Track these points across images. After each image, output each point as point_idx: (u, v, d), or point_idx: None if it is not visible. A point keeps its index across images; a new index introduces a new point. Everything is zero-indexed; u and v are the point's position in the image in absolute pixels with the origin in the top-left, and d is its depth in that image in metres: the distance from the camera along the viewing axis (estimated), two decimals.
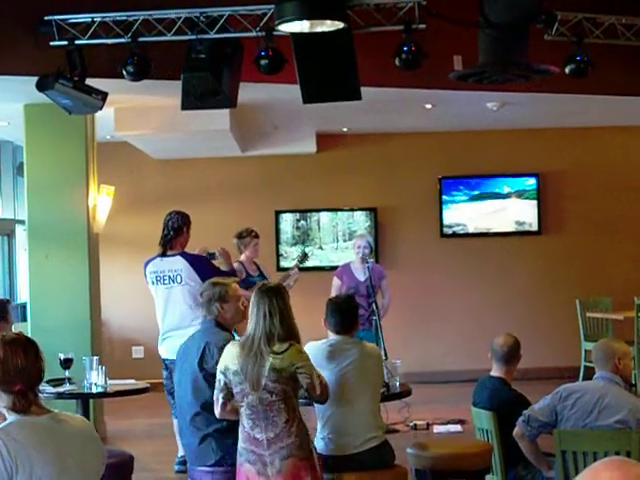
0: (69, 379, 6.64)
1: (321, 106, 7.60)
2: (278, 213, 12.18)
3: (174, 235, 7.65)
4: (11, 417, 3.13)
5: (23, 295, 11.29)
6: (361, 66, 6.68)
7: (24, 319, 9.71)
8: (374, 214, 12.19)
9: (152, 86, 7.39)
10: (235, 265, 8.47)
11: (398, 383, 6.22)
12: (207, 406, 5.36)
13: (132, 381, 7.01)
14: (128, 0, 6.93)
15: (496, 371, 5.75)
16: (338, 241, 12.21)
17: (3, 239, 11.89)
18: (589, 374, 6.20)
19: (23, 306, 10.52)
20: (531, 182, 12.20)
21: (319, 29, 6.26)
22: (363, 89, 6.83)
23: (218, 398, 5.02)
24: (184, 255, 7.61)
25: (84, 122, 8.64)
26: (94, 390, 6.53)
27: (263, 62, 6.53)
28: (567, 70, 7.01)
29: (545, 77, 7.11)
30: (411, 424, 9.04)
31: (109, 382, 6.60)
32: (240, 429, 4.96)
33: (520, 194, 12.21)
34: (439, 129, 11.89)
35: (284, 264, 11.76)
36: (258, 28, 6.56)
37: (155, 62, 6.75)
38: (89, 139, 8.80)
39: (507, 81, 7.15)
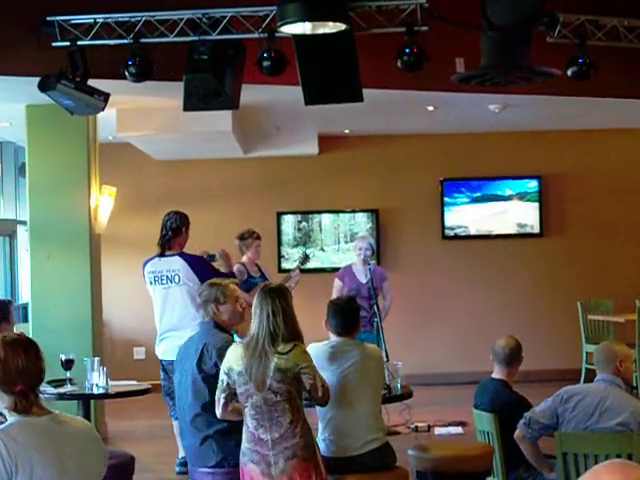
0: (70, 380, 6.64)
1: (323, 108, 7.60)
2: (280, 214, 12.18)
3: (172, 235, 7.65)
4: (11, 418, 3.13)
5: (25, 296, 11.29)
6: (363, 68, 6.68)
7: (25, 320, 9.72)
8: (376, 216, 12.19)
9: (154, 87, 7.38)
10: (237, 266, 8.47)
11: (399, 385, 6.22)
12: (207, 407, 5.37)
13: (133, 382, 7.02)
14: (130, 1, 6.93)
15: (497, 373, 5.75)
16: (340, 243, 12.21)
17: (5, 240, 11.89)
18: (590, 376, 6.20)
19: (25, 307, 10.53)
20: (533, 184, 12.19)
21: (321, 31, 6.27)
22: (365, 91, 6.83)
23: (220, 398, 5.02)
24: (182, 255, 7.61)
25: (86, 123, 8.64)
26: (95, 391, 6.53)
27: (265, 63, 6.53)
28: (569, 72, 7.00)
29: (547, 79, 7.11)
30: (412, 426, 9.04)
31: (110, 383, 6.60)
32: (244, 429, 4.96)
33: (522, 196, 12.21)
34: (441, 131, 11.89)
35: (285, 265, 11.76)
36: (260, 29, 6.56)
37: (157, 63, 6.75)
38: (91, 140, 8.81)
39: (509, 83, 7.15)
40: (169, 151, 11.36)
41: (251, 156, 11.84)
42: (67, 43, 6.78)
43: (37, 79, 6.85)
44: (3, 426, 3.10)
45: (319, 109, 7.69)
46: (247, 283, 8.42)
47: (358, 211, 12.23)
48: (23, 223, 10.90)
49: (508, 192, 12.21)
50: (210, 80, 6.69)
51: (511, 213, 12.23)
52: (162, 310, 7.64)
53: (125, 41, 6.72)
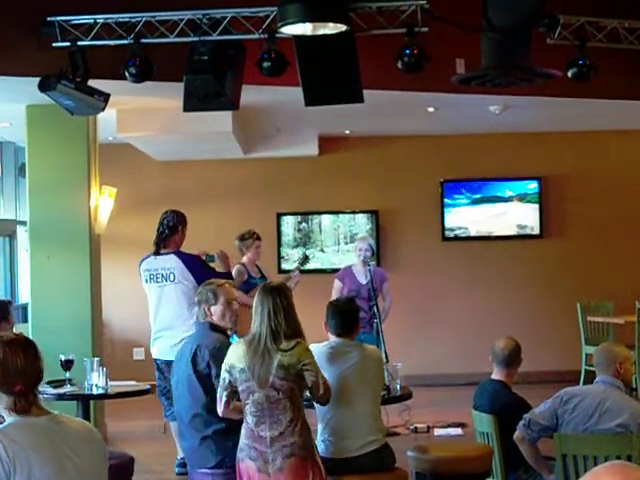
0: (70, 380, 6.64)
1: (323, 109, 7.59)
2: (280, 215, 12.18)
3: (169, 234, 7.65)
4: (10, 418, 3.13)
5: (24, 296, 11.29)
6: (363, 69, 6.67)
7: (25, 320, 9.72)
8: (376, 217, 12.19)
9: (154, 88, 7.38)
10: (237, 267, 8.47)
11: (399, 386, 6.23)
12: (204, 407, 5.39)
13: (133, 383, 7.02)
14: (131, 1, 6.93)
15: (497, 374, 5.75)
16: (339, 244, 12.21)
17: (5, 240, 11.89)
18: (590, 378, 6.20)
19: (24, 307, 10.53)
20: (533, 186, 12.19)
21: (321, 31, 6.27)
22: (365, 92, 6.83)
23: (221, 396, 5.03)
24: (178, 254, 7.60)
25: (86, 123, 8.64)
26: (95, 391, 6.54)
27: (265, 64, 6.53)
28: (569, 74, 7.00)
29: (547, 81, 7.11)
30: (412, 427, 9.04)
31: (110, 383, 6.61)
32: (243, 425, 4.97)
33: (522, 198, 12.21)
34: (441, 132, 11.89)
35: (285, 266, 11.75)
36: (261, 30, 6.56)
37: (157, 64, 6.74)
38: (91, 140, 8.80)
39: (510, 84, 7.14)
40: (169, 152, 11.36)
41: (251, 157, 11.84)
42: (67, 43, 6.78)
43: (37, 79, 6.84)
44: (2, 426, 3.10)
45: (319, 110, 7.69)
46: (247, 284, 8.42)
47: (358, 212, 12.23)
48: (23, 223, 10.90)
49: (508, 193, 12.22)
50: (210, 81, 6.68)
51: (511, 214, 12.23)
52: (157, 308, 7.64)
53: (125, 41, 6.71)
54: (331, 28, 6.19)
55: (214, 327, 5.59)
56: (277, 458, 4.86)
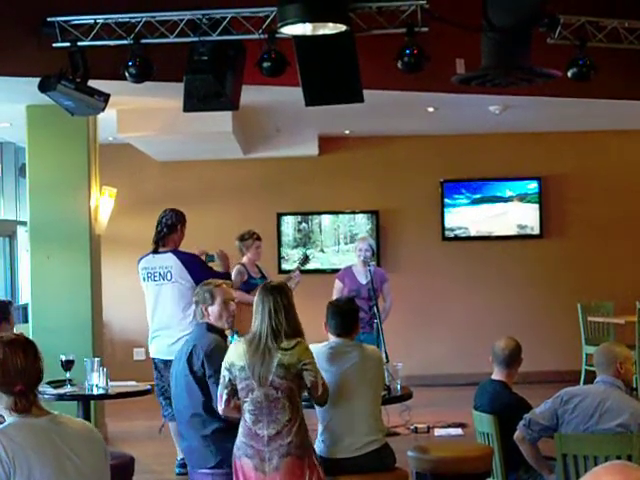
0: (70, 381, 6.64)
1: (323, 109, 7.59)
2: (280, 215, 12.18)
3: (167, 232, 7.65)
4: (10, 418, 3.13)
5: (25, 296, 11.29)
6: (363, 69, 6.67)
7: (25, 320, 9.72)
8: (376, 217, 12.19)
9: (154, 88, 7.38)
10: (237, 267, 8.47)
11: (399, 386, 6.23)
12: (203, 407, 5.40)
13: (133, 383, 7.01)
14: (131, 2, 6.92)
15: (497, 374, 5.75)
16: (340, 244, 12.21)
17: (5, 240, 11.90)
18: (590, 378, 6.20)
19: (25, 307, 10.53)
20: (533, 186, 12.19)
21: (321, 32, 6.27)
22: (365, 92, 6.82)
23: (222, 394, 5.04)
24: (176, 253, 7.60)
25: (86, 123, 8.64)
26: (95, 392, 6.53)
27: (265, 64, 6.52)
28: (569, 74, 7.00)
29: (547, 81, 7.11)
30: (412, 427, 9.04)
31: (110, 384, 6.60)
32: (241, 423, 4.98)
33: (522, 198, 12.21)
34: (441, 132, 11.89)
35: (285, 267, 11.76)
36: (261, 30, 6.55)
37: (157, 64, 6.74)
38: (91, 141, 8.80)
39: (510, 84, 7.14)
40: (169, 152, 11.36)
41: (251, 157, 11.84)
42: (67, 44, 6.78)
43: (37, 80, 6.84)
44: (1, 427, 3.10)
45: (319, 110, 7.68)
46: (247, 284, 8.42)
47: (358, 212, 12.23)
48: (23, 224, 10.90)
49: (508, 193, 12.22)
50: (210, 81, 6.68)
51: (511, 214, 12.23)
52: (154, 307, 7.64)
53: (125, 42, 6.71)
54: (331, 28, 6.19)
55: (211, 328, 5.60)
56: (274, 457, 4.87)
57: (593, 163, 12.20)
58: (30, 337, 3.30)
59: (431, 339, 12.05)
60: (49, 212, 8.71)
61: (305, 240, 12.23)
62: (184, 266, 7.50)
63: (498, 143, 12.10)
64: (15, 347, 3.15)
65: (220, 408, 5.09)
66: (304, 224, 12.24)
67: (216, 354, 5.34)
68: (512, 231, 12.24)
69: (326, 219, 12.25)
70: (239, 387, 4.97)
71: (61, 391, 6.53)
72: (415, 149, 12.18)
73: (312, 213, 12.21)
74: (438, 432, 9.01)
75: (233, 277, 8.16)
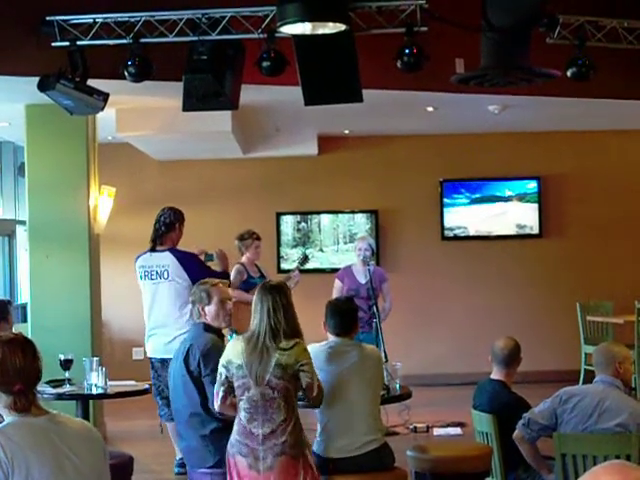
0: (69, 380, 6.64)
1: (323, 108, 7.59)
2: (279, 215, 12.18)
3: (165, 230, 7.64)
4: (9, 418, 3.13)
5: (24, 296, 11.29)
6: (363, 68, 6.67)
7: (24, 320, 9.71)
8: (375, 216, 12.19)
9: (153, 87, 7.38)
10: (236, 267, 8.47)
11: (398, 385, 6.23)
12: (200, 407, 5.40)
13: (132, 382, 7.01)
14: (130, 1, 6.92)
15: (496, 374, 5.75)
16: (339, 243, 12.21)
17: (4, 239, 11.89)
18: (589, 378, 6.20)
19: (23, 307, 10.53)
20: (532, 185, 12.19)
21: (321, 31, 6.26)
22: (365, 91, 6.82)
23: (218, 392, 5.05)
24: (173, 251, 7.58)
25: (85, 123, 8.64)
26: (94, 391, 6.53)
27: (265, 64, 6.52)
28: (569, 73, 7.00)
29: (547, 80, 7.11)
30: (411, 427, 9.04)
31: (109, 383, 6.60)
32: (236, 421, 4.98)
33: (521, 197, 12.21)
34: (440, 132, 11.89)
35: (285, 266, 11.75)
36: (260, 30, 6.55)
37: (157, 63, 6.74)
38: (90, 140, 8.80)
39: (509, 84, 7.14)
40: (168, 151, 11.35)
41: (250, 156, 11.83)
42: (66, 43, 6.78)
43: (36, 79, 6.84)
44: (0, 426, 3.10)
45: (319, 110, 7.69)
46: (247, 283, 8.42)
47: (357, 212, 12.23)
48: (22, 223, 10.90)
49: (507, 193, 12.22)
50: (209, 80, 6.68)
51: (510, 214, 12.23)
52: (151, 306, 7.63)
53: (124, 41, 6.71)
54: (330, 28, 6.19)
55: (207, 327, 5.60)
56: (268, 456, 4.87)
57: (592, 163, 12.20)
58: (29, 336, 3.30)
59: (430, 338, 12.05)
60: (48, 211, 8.71)
61: (304, 240, 12.23)
62: (181, 264, 7.49)
63: (497, 143, 12.10)
64: (14, 346, 3.15)
65: (216, 405, 5.09)
66: (303, 224, 12.24)
67: (212, 354, 5.34)
68: (511, 231, 12.24)
69: (325, 219, 12.25)
70: (235, 385, 4.97)
71: (60, 390, 6.53)
72: (414, 149, 12.19)
73: (311, 213, 12.21)
74: (437, 432, 9.01)
75: (232, 276, 8.17)
